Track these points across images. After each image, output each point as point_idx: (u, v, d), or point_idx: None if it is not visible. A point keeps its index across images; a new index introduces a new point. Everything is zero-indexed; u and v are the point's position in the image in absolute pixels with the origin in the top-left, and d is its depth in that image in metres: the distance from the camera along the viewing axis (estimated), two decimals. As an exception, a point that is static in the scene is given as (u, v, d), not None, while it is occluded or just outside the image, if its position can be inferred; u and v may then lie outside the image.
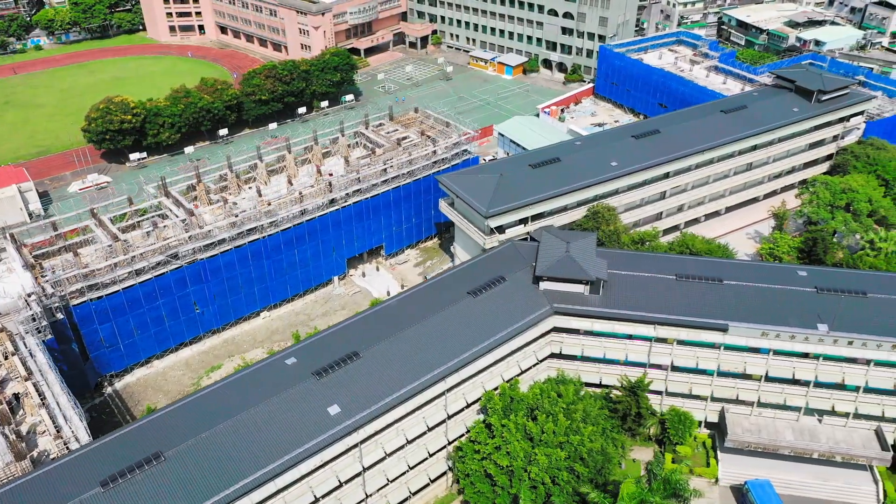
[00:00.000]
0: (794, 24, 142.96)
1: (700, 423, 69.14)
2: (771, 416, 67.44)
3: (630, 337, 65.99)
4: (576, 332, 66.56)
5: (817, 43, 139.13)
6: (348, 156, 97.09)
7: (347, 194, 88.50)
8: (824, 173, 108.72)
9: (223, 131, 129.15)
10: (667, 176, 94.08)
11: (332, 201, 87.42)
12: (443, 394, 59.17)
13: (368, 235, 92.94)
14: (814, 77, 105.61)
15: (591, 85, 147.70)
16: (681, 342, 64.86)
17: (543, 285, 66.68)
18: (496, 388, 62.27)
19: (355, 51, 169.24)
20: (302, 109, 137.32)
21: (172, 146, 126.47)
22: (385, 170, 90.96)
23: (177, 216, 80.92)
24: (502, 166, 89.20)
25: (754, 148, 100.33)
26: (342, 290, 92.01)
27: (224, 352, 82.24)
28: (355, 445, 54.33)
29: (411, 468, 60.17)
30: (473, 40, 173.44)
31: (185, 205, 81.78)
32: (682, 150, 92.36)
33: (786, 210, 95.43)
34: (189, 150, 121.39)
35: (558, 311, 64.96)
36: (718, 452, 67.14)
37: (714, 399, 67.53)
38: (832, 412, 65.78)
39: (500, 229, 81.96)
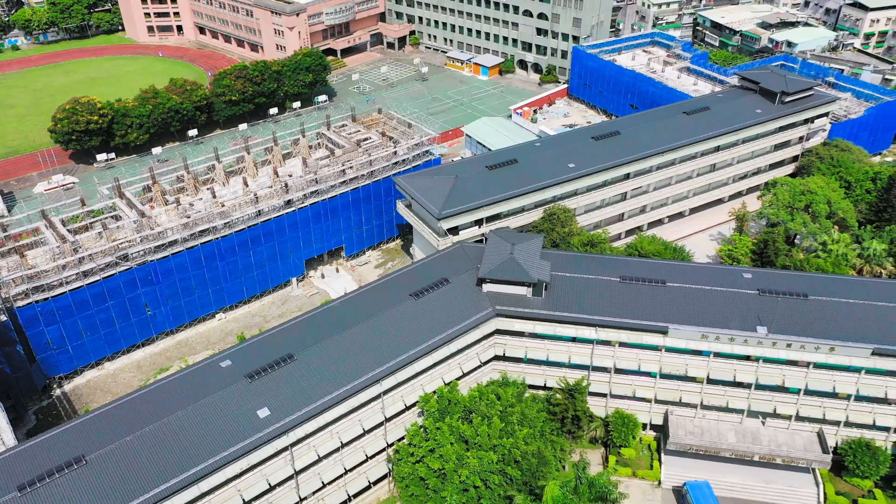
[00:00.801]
0: (766, 26, 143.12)
1: (645, 425, 69.07)
2: (715, 419, 67.37)
3: (574, 339, 65.90)
4: (520, 334, 66.48)
5: (789, 44, 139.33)
6: (308, 157, 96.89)
7: (305, 195, 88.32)
8: (790, 175, 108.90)
9: (193, 132, 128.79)
10: (627, 177, 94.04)
11: (289, 202, 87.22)
12: (379, 396, 59.01)
13: (327, 237, 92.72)
14: (778, 79, 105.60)
15: (565, 86, 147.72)
16: (623, 344, 64.75)
17: (486, 287, 66.56)
18: (436, 391, 62.10)
19: (332, 51, 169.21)
20: (274, 110, 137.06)
21: (141, 147, 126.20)
22: (344, 171, 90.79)
23: (130, 217, 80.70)
24: (459, 168, 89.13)
25: (717, 149, 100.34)
26: (300, 292, 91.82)
27: (177, 353, 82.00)
28: (286, 448, 54.16)
29: (348, 471, 60.01)
30: (451, 41, 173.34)
31: (138, 206, 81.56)
32: (641, 152, 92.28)
33: (745, 212, 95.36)
34: (157, 150, 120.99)
35: (500, 313, 64.84)
36: (662, 455, 67.04)
37: (658, 401, 67.44)
38: (775, 415, 65.76)
39: (455, 231, 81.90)
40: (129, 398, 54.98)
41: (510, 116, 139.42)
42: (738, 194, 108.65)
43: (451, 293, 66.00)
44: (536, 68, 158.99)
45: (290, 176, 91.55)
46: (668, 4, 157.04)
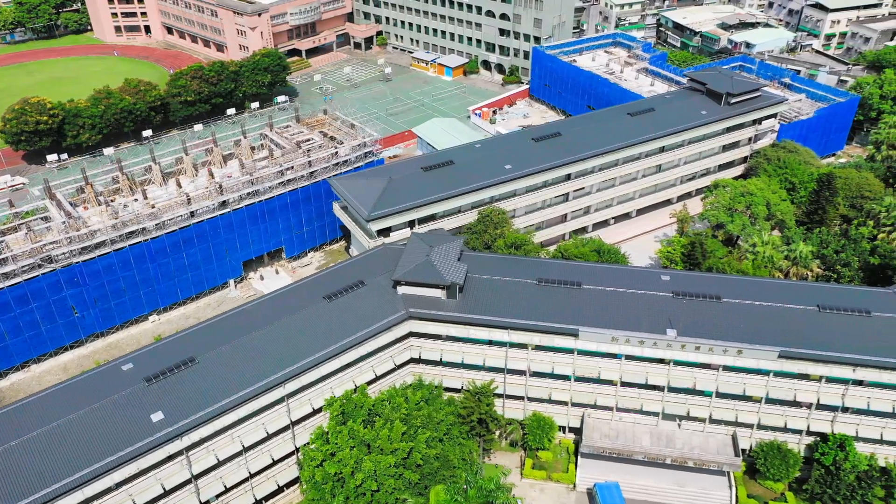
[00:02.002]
0: (726, 27, 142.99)
1: (563, 428, 68.84)
2: (632, 422, 67.17)
3: (490, 343, 65.60)
4: (435, 337, 66.15)
5: (748, 45, 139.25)
6: (248, 158, 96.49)
7: (241, 196, 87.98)
8: (740, 176, 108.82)
9: (147, 132, 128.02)
10: (568, 178, 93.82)
11: (224, 203, 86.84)
12: (283, 399, 58.69)
13: (266, 238, 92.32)
14: (724, 80, 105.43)
15: (527, 87, 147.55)
16: (538, 347, 64.50)
17: (401, 290, 66.27)
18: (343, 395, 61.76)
19: (296, 51, 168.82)
20: (231, 110, 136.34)
21: (95, 147, 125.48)
22: (282, 172, 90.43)
23: (59, 219, 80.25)
24: (393, 169, 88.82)
25: (662, 150, 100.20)
26: (237, 294, 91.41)
27: (107, 356, 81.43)
28: (180, 452, 53.80)
29: (253, 475, 59.65)
30: (417, 42, 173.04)
31: (67, 207, 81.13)
32: (580, 153, 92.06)
33: (686, 214, 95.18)
34: (108, 151, 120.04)
35: (414, 315, 64.55)
36: (578, 458, 66.77)
37: (574, 404, 67.21)
38: (689, 417, 65.57)
39: (386, 232, 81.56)
40: (22, 402, 54.62)
41: (469, 117, 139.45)
42: (688, 195, 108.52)
43: (365, 295, 65.71)
44: (500, 69, 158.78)
45: (230, 177, 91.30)
46: (630, 5, 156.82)
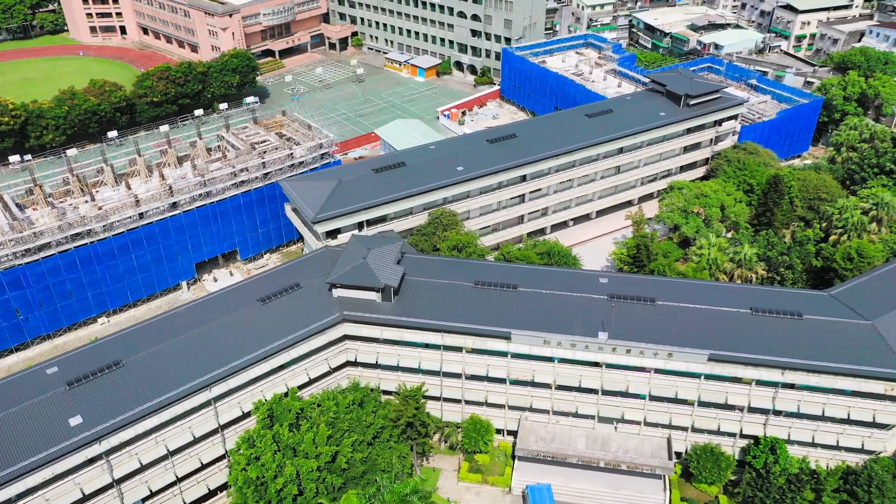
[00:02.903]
0: (695, 28, 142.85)
1: (501, 431, 68.61)
2: (569, 425, 66.97)
3: (427, 346, 65.35)
4: (371, 339, 65.83)
5: (716, 46, 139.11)
6: (203, 159, 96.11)
7: (193, 198, 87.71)
8: (701, 178, 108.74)
9: (112, 133, 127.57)
10: (524, 179, 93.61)
11: (175, 205, 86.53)
12: (210, 402, 58.39)
13: (219, 240, 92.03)
14: (683, 81, 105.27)
15: (499, 87, 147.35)
16: (472, 350, 64.26)
17: (337, 292, 66.00)
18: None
19: (270, 52, 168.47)
20: (199, 111, 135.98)
21: (60, 148, 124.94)
22: (235, 173, 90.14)
23: (4, 220, 79.88)
24: (344, 171, 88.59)
25: (620, 151, 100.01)
26: (190, 296, 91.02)
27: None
28: (100, 456, 53.47)
29: (181, 479, 59.32)
30: (392, 42, 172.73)
31: (13, 209, 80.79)
32: (534, 155, 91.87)
33: (641, 216, 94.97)
34: (72, 152, 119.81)
35: (348, 318, 64.28)
36: (515, 461, 66.52)
37: (511, 407, 66.99)
38: (624, 420, 65.37)
39: (334, 234, 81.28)
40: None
41: (438, 118, 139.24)
42: (650, 197, 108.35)
43: (300, 298, 65.44)
44: (472, 70, 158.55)
45: (184, 178, 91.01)
46: (601, 6, 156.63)
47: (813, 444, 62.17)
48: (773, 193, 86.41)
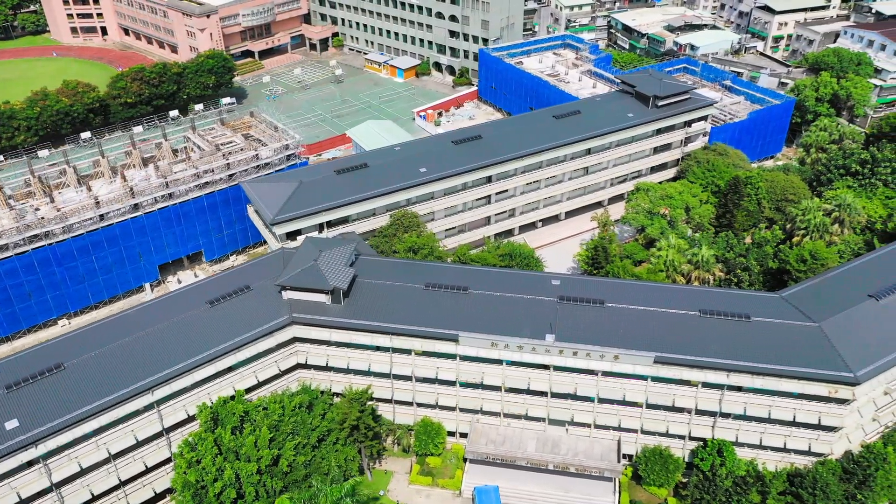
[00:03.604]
0: (672, 29, 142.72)
1: (453, 433, 68.36)
2: (520, 427, 66.76)
3: (378, 348, 65.11)
4: (324, 342, 65.55)
5: (692, 47, 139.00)
6: (169, 161, 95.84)
7: (155, 199, 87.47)
8: (672, 179, 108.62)
9: (86, 134, 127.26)
10: (489, 181, 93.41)
11: (136, 207, 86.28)
12: (152, 406, 58.13)
13: (183, 241, 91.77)
14: (652, 82, 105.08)
15: (477, 88, 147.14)
16: (423, 353, 64.01)
17: (287, 295, 65.76)
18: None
19: (250, 53, 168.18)
20: (174, 112, 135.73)
21: (33, 149, 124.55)
22: (198, 175, 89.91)
23: (-38, 223, 79.70)
24: (306, 173, 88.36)
25: (588, 152, 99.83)
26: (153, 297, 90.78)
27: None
28: (37, 460, 53.20)
29: (124, 483, 59.05)
30: (372, 43, 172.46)
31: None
32: (499, 156, 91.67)
33: (607, 217, 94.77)
34: (43, 153, 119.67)
35: (297, 320, 64.04)
36: (466, 464, 66.32)
37: (462, 410, 66.77)
38: (574, 423, 65.16)
39: (294, 236, 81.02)
40: None
41: (414, 119, 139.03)
42: (620, 198, 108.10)
43: (249, 300, 65.18)
44: (451, 71, 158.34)
45: (148, 179, 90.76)
46: (580, 7, 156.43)
47: (761, 447, 61.96)
48: (732, 195, 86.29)
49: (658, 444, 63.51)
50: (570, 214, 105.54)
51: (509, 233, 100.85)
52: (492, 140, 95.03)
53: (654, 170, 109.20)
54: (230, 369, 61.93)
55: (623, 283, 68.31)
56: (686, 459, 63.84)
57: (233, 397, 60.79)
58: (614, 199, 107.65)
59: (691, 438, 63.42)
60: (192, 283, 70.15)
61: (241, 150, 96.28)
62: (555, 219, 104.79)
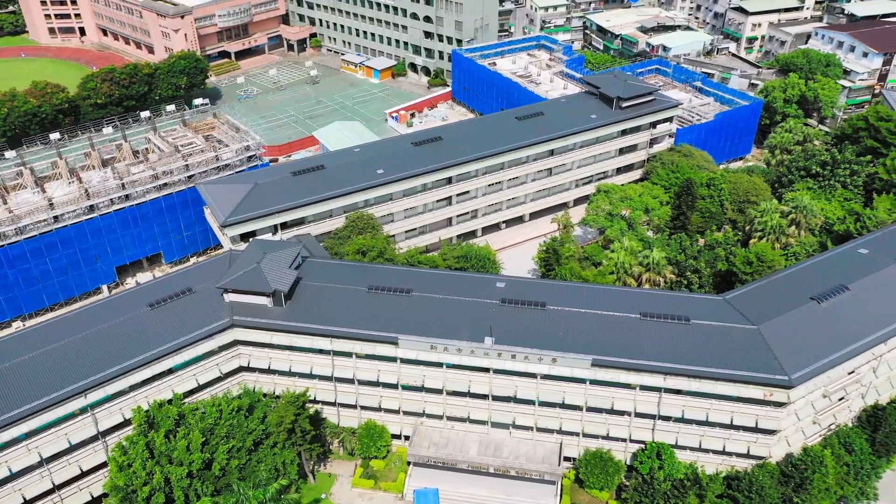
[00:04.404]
0: (645, 30, 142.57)
1: (398, 436, 68.09)
2: (464, 430, 66.50)
3: (321, 351, 64.81)
4: (267, 345, 65.27)
5: (665, 48, 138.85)
6: (128, 162, 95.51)
7: (112, 201, 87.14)
8: (638, 180, 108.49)
9: (55, 135, 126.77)
10: (449, 182, 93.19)
11: (92, 208, 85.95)
12: (86, 409, 57.80)
13: (141, 243, 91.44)
14: (616, 83, 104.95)
15: (450, 89, 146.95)
16: (364, 356, 63.75)
17: (229, 297, 65.47)
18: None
19: (226, 53, 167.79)
20: (145, 113, 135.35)
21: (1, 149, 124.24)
22: (157, 176, 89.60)
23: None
24: (262, 174, 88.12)
25: (551, 153, 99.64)
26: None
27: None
28: (-35, 464, 53.01)
29: (58, 487, 58.68)
30: (349, 44, 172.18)
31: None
32: (458, 157, 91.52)
33: (567, 219, 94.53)
34: (10, 154, 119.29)
35: (237, 323, 63.75)
36: (410, 467, 66.03)
37: (406, 413, 66.50)
38: (516, 426, 64.91)
39: (248, 237, 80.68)
40: None
41: (386, 120, 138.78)
42: (585, 199, 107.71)
43: (191, 303, 64.88)
44: (426, 71, 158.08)
45: (107, 181, 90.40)
46: (555, 8, 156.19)
47: (702, 450, 61.73)
48: (686, 196, 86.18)
49: (600, 448, 63.27)
50: (534, 216, 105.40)
51: (473, 234, 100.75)
52: (452, 141, 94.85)
53: (620, 171, 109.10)
54: (169, 372, 61.64)
55: (567, 286, 68.06)
56: (628, 462, 63.61)
57: (170, 401, 60.53)
58: (580, 201, 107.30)
59: (632, 441, 63.20)
60: (132, 286, 69.79)
61: (202, 151, 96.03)
62: (519, 220, 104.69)
